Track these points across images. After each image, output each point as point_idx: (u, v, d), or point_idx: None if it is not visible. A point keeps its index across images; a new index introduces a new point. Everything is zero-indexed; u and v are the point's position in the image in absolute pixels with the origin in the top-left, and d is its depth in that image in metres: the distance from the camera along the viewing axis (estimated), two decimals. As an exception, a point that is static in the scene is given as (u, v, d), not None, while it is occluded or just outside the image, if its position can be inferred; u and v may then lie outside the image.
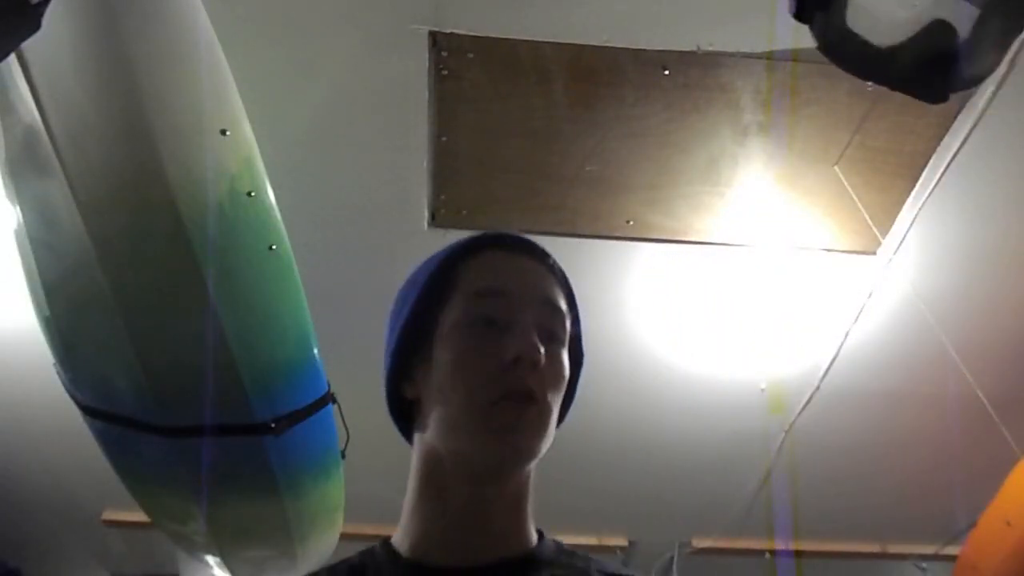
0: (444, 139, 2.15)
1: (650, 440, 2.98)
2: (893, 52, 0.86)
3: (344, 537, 2.17)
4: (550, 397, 0.84)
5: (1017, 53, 1.79)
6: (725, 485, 3.15)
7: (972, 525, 2.48)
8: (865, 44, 0.86)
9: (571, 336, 0.91)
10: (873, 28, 0.86)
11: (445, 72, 2.01)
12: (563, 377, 0.87)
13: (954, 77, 0.86)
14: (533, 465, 0.86)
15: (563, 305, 0.90)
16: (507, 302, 0.86)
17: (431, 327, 0.88)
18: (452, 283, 0.88)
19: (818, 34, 0.88)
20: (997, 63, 0.91)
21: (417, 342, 0.89)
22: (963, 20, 0.84)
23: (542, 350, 0.82)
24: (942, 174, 2.21)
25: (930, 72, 0.86)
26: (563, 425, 0.89)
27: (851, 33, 0.86)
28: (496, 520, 0.85)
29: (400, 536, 0.87)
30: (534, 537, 0.88)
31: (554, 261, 0.93)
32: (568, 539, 0.91)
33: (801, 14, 0.88)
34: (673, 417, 2.93)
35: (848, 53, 0.88)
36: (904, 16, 0.85)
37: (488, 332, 0.84)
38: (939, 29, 0.84)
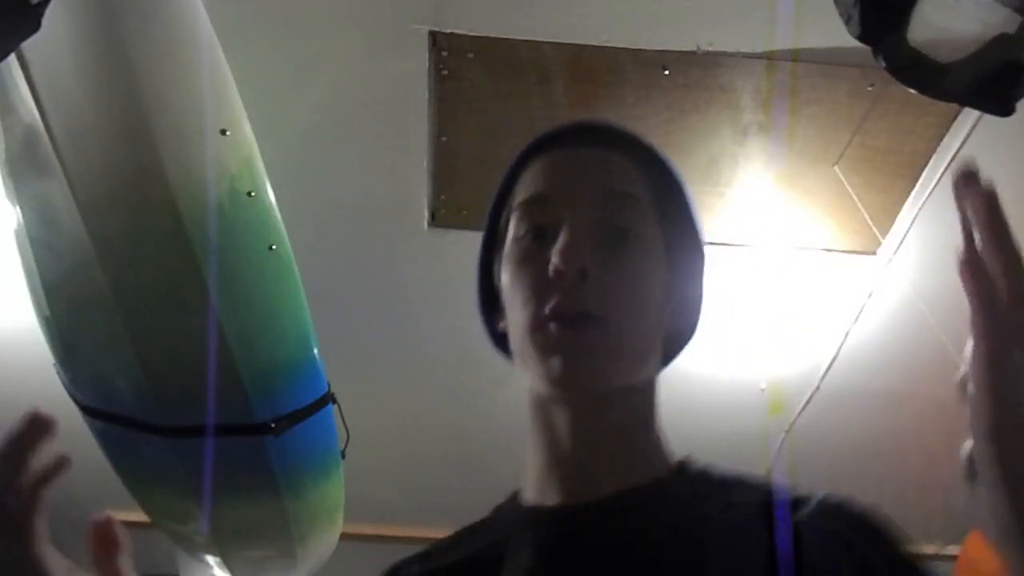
0: (444, 139, 2.14)
1: (650, 440, 2.98)
2: (958, 68, 0.86)
3: (344, 537, 2.17)
4: (617, 309, 0.72)
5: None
6: (725, 485, 3.14)
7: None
8: (930, 61, 0.86)
9: (673, 229, 0.81)
10: (936, 45, 0.86)
11: (445, 72, 2.01)
12: (641, 279, 0.75)
13: (1020, 87, 0.86)
14: (641, 383, 0.78)
15: (639, 192, 0.79)
16: (554, 206, 0.76)
17: (501, 251, 0.80)
18: (512, 198, 0.81)
19: (885, 54, 0.88)
20: None
21: (492, 270, 0.82)
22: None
23: (584, 257, 0.71)
24: (942, 174, 2.21)
25: (996, 85, 0.86)
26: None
27: (916, 51, 0.86)
28: (606, 449, 0.75)
29: (525, 480, 0.79)
30: (667, 464, 0.79)
31: (637, 141, 0.83)
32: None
33: (867, 36, 0.88)
34: (673, 417, 2.90)
35: (915, 71, 0.88)
36: (967, 32, 0.85)
37: (535, 244, 0.75)
38: (1003, 42, 0.84)
